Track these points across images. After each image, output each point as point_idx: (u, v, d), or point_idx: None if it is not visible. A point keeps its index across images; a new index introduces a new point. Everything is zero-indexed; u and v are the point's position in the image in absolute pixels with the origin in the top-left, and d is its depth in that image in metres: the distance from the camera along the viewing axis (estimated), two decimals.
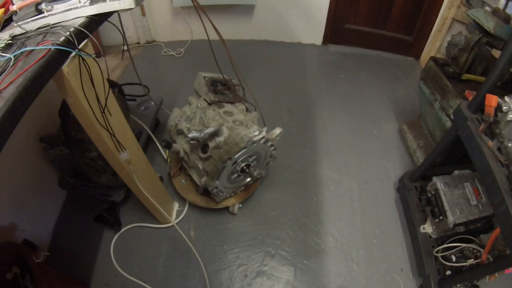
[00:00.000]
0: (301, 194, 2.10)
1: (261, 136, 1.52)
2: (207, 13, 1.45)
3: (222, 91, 1.76)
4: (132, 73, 1.80)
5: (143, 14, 3.51)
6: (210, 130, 1.42)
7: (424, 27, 3.21)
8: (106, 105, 1.08)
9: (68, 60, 0.91)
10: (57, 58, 0.86)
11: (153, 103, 2.39)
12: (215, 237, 1.86)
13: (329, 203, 2.06)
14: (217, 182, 1.60)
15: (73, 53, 0.91)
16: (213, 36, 1.58)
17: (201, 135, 1.39)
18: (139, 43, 3.73)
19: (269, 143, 1.64)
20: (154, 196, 1.56)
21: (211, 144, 1.51)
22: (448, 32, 2.96)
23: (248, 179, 1.86)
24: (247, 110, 1.82)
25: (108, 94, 1.07)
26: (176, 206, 2.00)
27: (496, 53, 1.80)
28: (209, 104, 1.69)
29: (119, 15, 1.44)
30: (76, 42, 0.90)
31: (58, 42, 0.85)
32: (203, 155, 1.55)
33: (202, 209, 1.92)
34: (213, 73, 1.81)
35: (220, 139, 1.47)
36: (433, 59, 2.03)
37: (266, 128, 1.58)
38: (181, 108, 1.76)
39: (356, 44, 3.63)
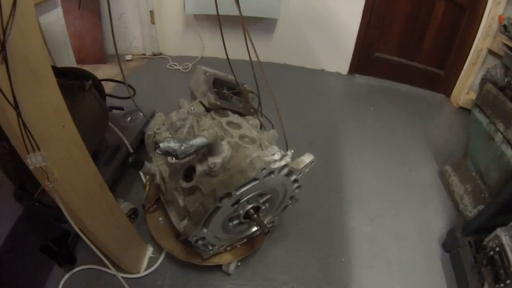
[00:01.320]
0: (323, 253, 1.58)
1: (283, 162, 0.97)
2: (221, 26, 1.16)
3: (229, 97, 1.24)
4: (131, 83, 1.48)
5: (152, 22, 3.27)
6: (199, 141, 0.86)
7: (457, 60, 2.99)
8: (4, 46, 0.56)
9: None
10: None
11: (141, 114, 1.92)
12: None
13: (360, 265, 1.54)
14: (204, 230, 1.01)
15: None
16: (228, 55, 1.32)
17: (183, 148, 0.83)
18: (144, 54, 3.48)
19: (293, 177, 1.09)
20: (108, 235, 1.04)
21: (200, 168, 0.95)
22: (482, 67, 2.75)
23: (255, 229, 1.29)
24: (261, 127, 1.29)
25: (11, 17, 0.55)
26: (149, 251, 1.48)
27: None
28: (207, 110, 1.16)
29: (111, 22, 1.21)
30: None
31: None
32: (185, 185, 0.99)
33: (185, 261, 1.37)
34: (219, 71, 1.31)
35: (215, 160, 0.92)
36: (491, 81, 1.74)
37: (292, 151, 1.03)
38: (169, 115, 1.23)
39: (384, 76, 3.36)
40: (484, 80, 1.77)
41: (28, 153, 0.66)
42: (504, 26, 2.36)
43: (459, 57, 2.94)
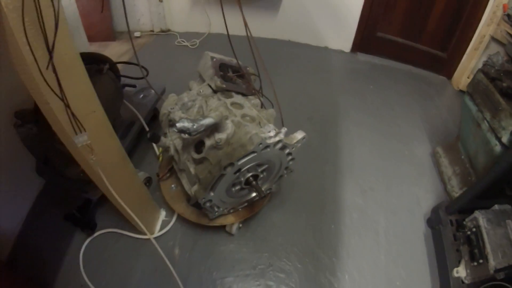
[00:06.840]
0: (316, 220, 1.73)
1: (277, 138, 1.14)
2: (225, 4, 1.23)
3: (233, 79, 1.39)
4: (141, 59, 1.48)
5: (160, 0, 3.30)
6: (208, 121, 1.05)
7: (460, 43, 2.94)
8: (51, 56, 0.72)
9: None
10: None
11: (153, 91, 2.06)
12: (205, 260, 1.51)
13: (350, 233, 1.69)
14: (212, 193, 1.22)
15: None
16: (233, 31, 1.36)
17: (195, 127, 1.02)
18: (153, 31, 3.53)
19: (287, 150, 1.27)
20: (130, 200, 1.21)
21: (208, 142, 1.14)
22: (484, 52, 2.71)
23: (254, 195, 1.48)
24: (262, 106, 1.44)
25: (55, 37, 0.71)
26: (162, 215, 1.66)
27: None
28: (214, 91, 1.32)
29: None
30: None
31: None
32: (196, 156, 1.18)
33: (193, 224, 1.56)
34: (224, 56, 1.45)
35: (221, 136, 1.10)
36: (483, 71, 1.76)
37: (286, 129, 1.21)
38: (180, 95, 1.40)
39: (387, 55, 3.36)
40: (486, 66, 1.76)
41: (76, 134, 0.83)
42: (508, 15, 2.32)
43: (462, 41, 2.89)
